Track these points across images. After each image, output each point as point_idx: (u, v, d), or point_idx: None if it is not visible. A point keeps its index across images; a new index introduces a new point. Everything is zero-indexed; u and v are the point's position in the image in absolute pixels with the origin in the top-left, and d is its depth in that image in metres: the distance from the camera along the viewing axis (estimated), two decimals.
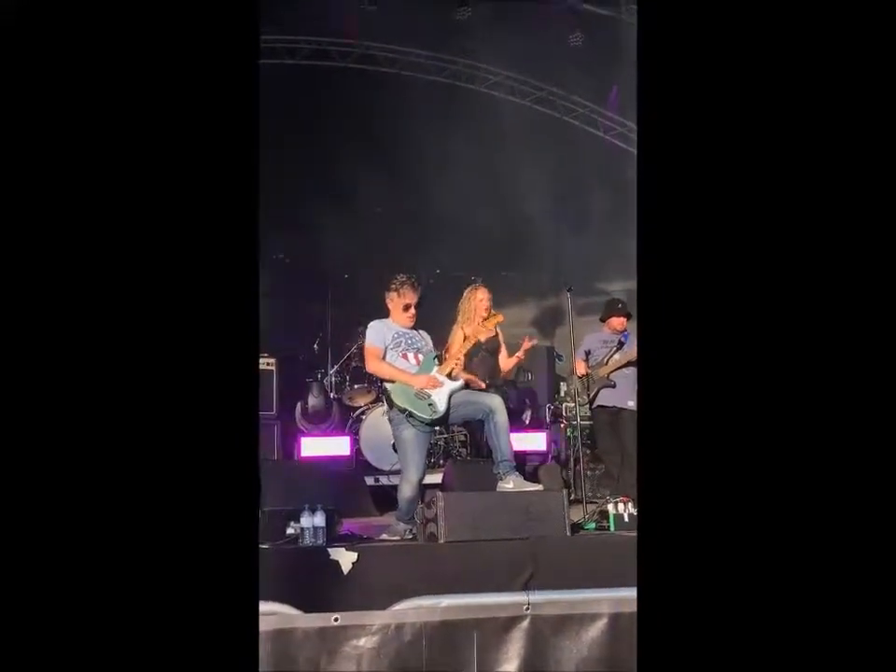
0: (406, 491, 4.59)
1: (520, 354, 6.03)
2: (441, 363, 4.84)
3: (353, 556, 3.85)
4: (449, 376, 4.75)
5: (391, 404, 4.67)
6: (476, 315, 5.92)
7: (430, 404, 4.62)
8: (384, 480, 6.55)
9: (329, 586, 3.77)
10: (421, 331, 4.98)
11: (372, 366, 4.75)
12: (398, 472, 5.18)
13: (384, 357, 4.73)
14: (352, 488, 6.22)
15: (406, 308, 4.78)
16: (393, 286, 4.80)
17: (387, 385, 4.74)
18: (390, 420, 4.76)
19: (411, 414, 4.59)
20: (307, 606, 3.65)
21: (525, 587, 3.94)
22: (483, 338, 5.91)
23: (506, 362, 6.12)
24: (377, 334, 4.76)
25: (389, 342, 4.74)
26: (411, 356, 4.76)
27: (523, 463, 6.11)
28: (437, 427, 6.78)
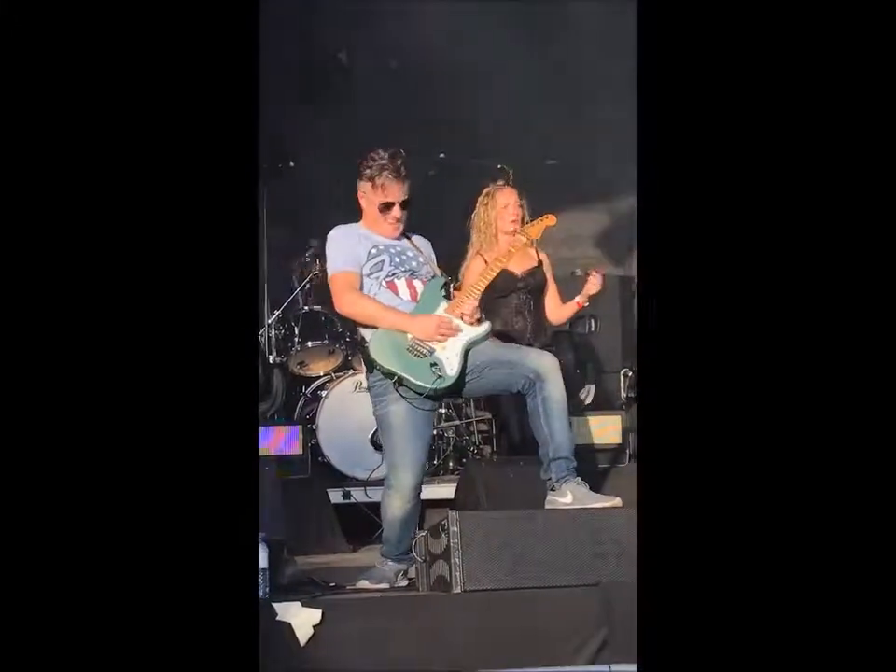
0: (395, 507, 4.57)
1: (581, 299, 5.95)
2: (450, 297, 4.72)
3: (314, 616, 3.85)
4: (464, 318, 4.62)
5: (371, 365, 4.60)
6: (499, 230, 5.87)
7: (434, 364, 4.53)
8: (358, 495, 6.60)
9: (276, 665, 3.76)
10: (415, 238, 4.85)
11: (347, 302, 4.64)
12: (380, 482, 5.17)
13: (361, 287, 4.63)
14: (308, 508, 6.27)
15: (386, 208, 4.65)
16: (365, 170, 4.66)
17: (366, 333, 4.64)
18: (370, 390, 4.69)
19: (401, 381, 4.52)
20: None
21: (595, 661, 3.96)
22: (518, 269, 5.88)
23: (559, 309, 6.07)
24: (346, 250, 4.65)
25: (365, 259, 4.64)
26: (401, 284, 4.67)
27: (589, 464, 6.06)
28: (443, 404, 6.84)
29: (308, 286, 7.66)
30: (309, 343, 7.51)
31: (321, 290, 7.71)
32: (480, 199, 5.98)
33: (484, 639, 3.97)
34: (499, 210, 5.88)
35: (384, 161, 4.61)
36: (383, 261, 4.66)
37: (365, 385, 6.76)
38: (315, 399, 7.23)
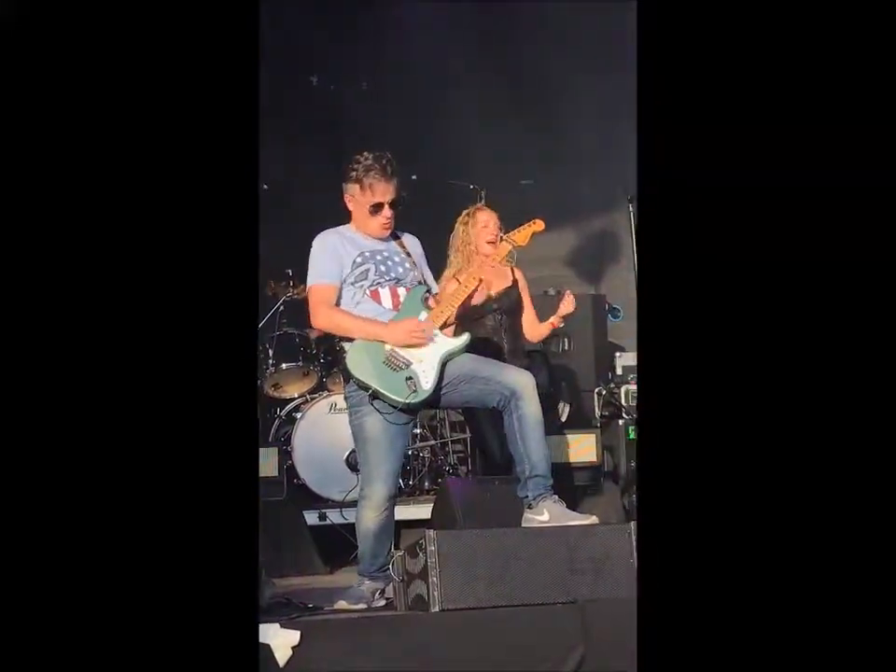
0: (368, 519, 4.58)
1: (556, 319, 6.01)
2: (430, 305, 4.70)
3: (293, 637, 3.84)
4: (442, 328, 4.65)
5: (348, 375, 4.62)
6: (477, 252, 5.86)
7: (409, 378, 4.54)
8: (334, 516, 6.60)
9: None
10: (405, 237, 4.86)
11: (322, 318, 4.66)
12: (356, 503, 5.17)
13: (338, 302, 4.65)
14: (284, 530, 6.27)
15: (376, 209, 4.66)
16: (351, 173, 4.67)
17: (345, 343, 4.65)
18: (347, 400, 4.70)
19: (375, 395, 4.53)
20: None
21: None
22: (493, 290, 5.89)
23: (536, 328, 6.11)
24: (328, 259, 4.65)
25: (349, 269, 4.66)
26: (385, 293, 4.67)
27: (565, 482, 6.07)
28: (418, 424, 6.83)
29: (282, 308, 7.66)
30: (283, 365, 7.51)
31: (295, 312, 7.73)
32: (460, 219, 5.99)
33: (463, 658, 3.96)
34: (479, 229, 5.91)
35: (369, 162, 4.63)
36: (368, 270, 4.66)
37: (339, 406, 6.86)
38: (290, 420, 7.23)
